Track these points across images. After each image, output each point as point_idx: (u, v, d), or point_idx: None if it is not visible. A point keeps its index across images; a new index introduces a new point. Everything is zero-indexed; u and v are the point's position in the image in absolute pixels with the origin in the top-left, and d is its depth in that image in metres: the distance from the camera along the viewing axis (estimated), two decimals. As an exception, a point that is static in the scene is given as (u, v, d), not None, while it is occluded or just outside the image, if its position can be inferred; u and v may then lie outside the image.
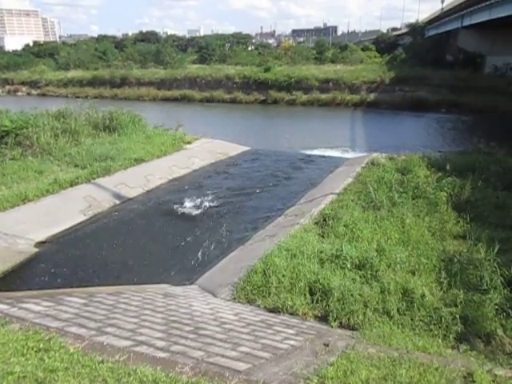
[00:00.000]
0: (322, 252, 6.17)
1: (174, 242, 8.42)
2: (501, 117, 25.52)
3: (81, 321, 4.21)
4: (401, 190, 8.99)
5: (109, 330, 4.03)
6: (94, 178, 11.11)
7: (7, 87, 47.27)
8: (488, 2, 31.10)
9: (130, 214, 9.90)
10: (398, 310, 4.92)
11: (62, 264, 7.61)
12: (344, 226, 7.22)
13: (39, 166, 11.42)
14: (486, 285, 5.29)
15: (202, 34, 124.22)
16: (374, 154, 13.16)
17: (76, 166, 11.82)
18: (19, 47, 70.93)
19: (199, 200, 10.55)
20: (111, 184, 11.08)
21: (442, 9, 48.77)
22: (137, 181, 11.63)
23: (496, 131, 21.58)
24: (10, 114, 14.05)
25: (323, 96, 33.60)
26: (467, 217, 7.71)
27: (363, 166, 11.83)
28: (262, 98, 35.22)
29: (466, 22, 38.52)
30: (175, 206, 10.23)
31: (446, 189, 8.92)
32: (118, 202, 10.53)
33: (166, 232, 8.99)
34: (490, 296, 5.02)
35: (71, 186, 10.48)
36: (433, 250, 6.49)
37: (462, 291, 5.21)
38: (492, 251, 5.87)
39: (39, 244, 8.23)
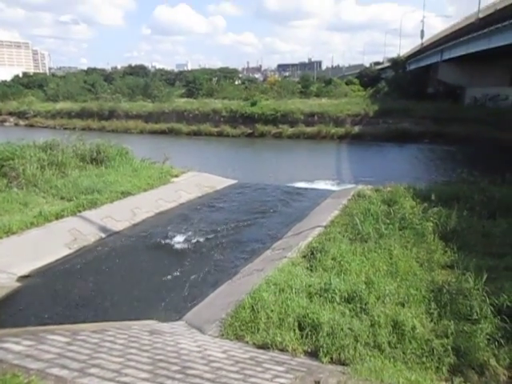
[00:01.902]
0: (310, 286, 6.11)
1: (161, 277, 8.26)
2: (482, 146, 26.18)
3: (63, 361, 4.05)
4: (387, 221, 9.04)
5: (92, 370, 3.88)
6: (80, 211, 10.96)
7: (-5, 117, 47.27)
8: (465, 37, 32.53)
9: (115, 248, 9.74)
10: (389, 344, 4.86)
11: (45, 299, 7.41)
12: (332, 258, 7.19)
13: (24, 197, 11.26)
14: (477, 314, 5.29)
15: (189, 68, 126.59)
16: (360, 186, 13.27)
17: (62, 198, 11.69)
18: (8, 78, 71.36)
19: (186, 234, 10.46)
20: (97, 217, 10.95)
21: (422, 44, 50.81)
22: (123, 214, 11.51)
23: (479, 160, 22.09)
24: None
25: (309, 129, 34.18)
26: (454, 246, 7.76)
27: (349, 198, 11.90)
28: (249, 131, 35.65)
29: (446, 56, 40.09)
30: (162, 240, 10.11)
31: (432, 219, 8.98)
32: (103, 235, 10.38)
33: (153, 266, 8.84)
34: (480, 326, 5.02)
35: (56, 218, 10.31)
36: (421, 280, 6.47)
37: (452, 322, 5.19)
38: (480, 280, 5.90)
39: (22, 278, 8.03)
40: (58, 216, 10.39)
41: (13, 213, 10.21)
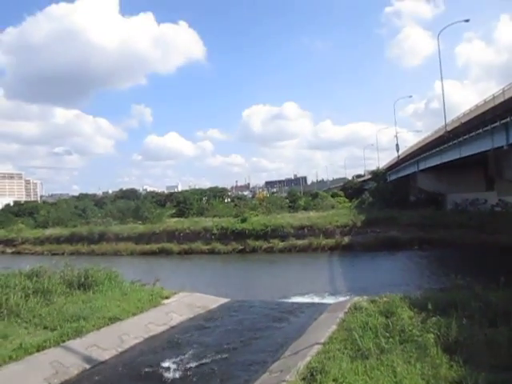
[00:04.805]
0: (312, 413, 5.62)
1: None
2: (470, 249, 26.39)
3: None
4: (387, 334, 8.67)
5: None
6: (64, 341, 10.39)
7: (-19, 246, 46.73)
8: (438, 149, 34.79)
9: (99, 381, 9.04)
10: None
11: None
12: (333, 380, 6.72)
13: (5, 329, 10.71)
14: None
15: (180, 189, 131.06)
16: (356, 298, 12.98)
17: (45, 327, 11.16)
18: (-1, 207, 72.72)
19: (176, 360, 9.85)
20: (82, 346, 10.34)
21: (399, 156, 54.19)
22: (110, 341, 10.91)
23: (469, 264, 22.10)
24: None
25: (299, 242, 34.36)
26: (459, 359, 7.34)
27: (346, 311, 11.56)
28: (241, 247, 35.63)
29: (422, 167, 42.41)
30: (150, 369, 9.46)
31: (432, 330, 8.65)
32: (87, 366, 9.71)
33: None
34: None
35: (38, 350, 9.74)
36: (430, 401, 6.02)
37: None
38: (493, 398, 5.50)
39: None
40: (40, 348, 9.84)
41: (-9, 347, 9.64)
